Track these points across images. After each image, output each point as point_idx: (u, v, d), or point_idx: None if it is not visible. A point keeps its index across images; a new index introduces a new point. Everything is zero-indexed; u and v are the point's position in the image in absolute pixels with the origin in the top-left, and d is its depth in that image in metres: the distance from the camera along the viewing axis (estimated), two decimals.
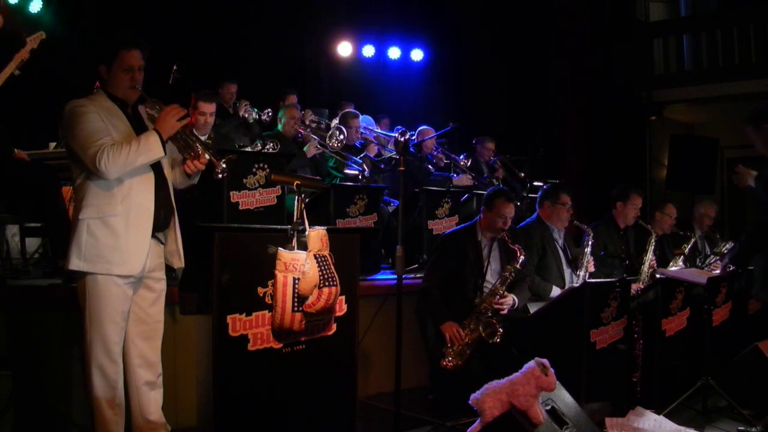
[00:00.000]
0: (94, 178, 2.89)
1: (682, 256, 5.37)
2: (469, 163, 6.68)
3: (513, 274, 4.16)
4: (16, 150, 4.18)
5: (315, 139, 5.69)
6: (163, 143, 2.91)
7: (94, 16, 6.64)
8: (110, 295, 2.89)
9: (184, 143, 3.05)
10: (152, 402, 3.08)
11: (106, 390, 2.91)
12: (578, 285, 4.27)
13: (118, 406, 2.96)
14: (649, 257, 5.10)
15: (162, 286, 3.13)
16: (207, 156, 3.03)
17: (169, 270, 3.22)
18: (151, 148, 2.88)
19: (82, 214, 2.88)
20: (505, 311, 4.13)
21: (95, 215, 2.88)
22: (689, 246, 5.51)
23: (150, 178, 3.00)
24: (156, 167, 3.04)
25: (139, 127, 3.02)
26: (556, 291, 4.49)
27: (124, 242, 2.89)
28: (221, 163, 3.02)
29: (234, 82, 6.72)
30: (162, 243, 3.11)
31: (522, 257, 4.16)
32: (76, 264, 2.86)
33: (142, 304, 3.05)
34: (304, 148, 5.64)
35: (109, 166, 2.80)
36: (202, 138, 3.61)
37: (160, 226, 3.05)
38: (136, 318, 3.04)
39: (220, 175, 3.04)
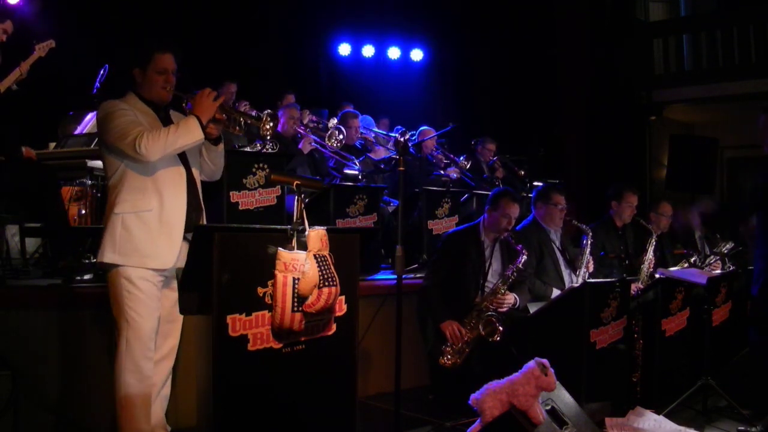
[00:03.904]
0: (129, 175, 2.93)
1: (685, 261, 5.36)
2: (468, 165, 6.67)
3: (515, 274, 4.17)
4: (24, 148, 4.18)
5: (310, 136, 5.68)
6: (203, 126, 2.93)
7: (96, 16, 6.65)
8: (146, 290, 2.93)
9: (225, 120, 3.09)
10: (159, 401, 3.09)
11: (140, 388, 2.92)
12: (578, 285, 4.28)
13: (148, 404, 2.97)
14: (649, 257, 5.09)
15: None
16: (252, 119, 3.11)
17: None
18: (191, 130, 2.91)
19: (117, 209, 2.93)
20: (505, 309, 4.13)
21: (130, 210, 2.93)
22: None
23: (182, 175, 3.04)
24: (186, 167, 3.08)
25: None
26: (556, 294, 4.48)
27: (157, 236, 2.94)
28: (266, 122, 3.08)
29: (234, 81, 6.73)
30: None
31: (525, 257, 4.16)
32: (110, 257, 2.90)
33: (166, 304, 3.08)
34: (300, 145, 5.63)
35: (150, 147, 2.83)
36: None
37: (190, 227, 3.05)
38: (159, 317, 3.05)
39: (269, 134, 3.16)
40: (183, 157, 3.08)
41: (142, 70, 3.01)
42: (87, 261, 4.03)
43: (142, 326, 2.92)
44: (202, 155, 3.21)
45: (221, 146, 3.22)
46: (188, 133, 2.91)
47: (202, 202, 3.19)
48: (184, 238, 3.02)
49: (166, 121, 3.08)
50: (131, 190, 2.94)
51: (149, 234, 2.93)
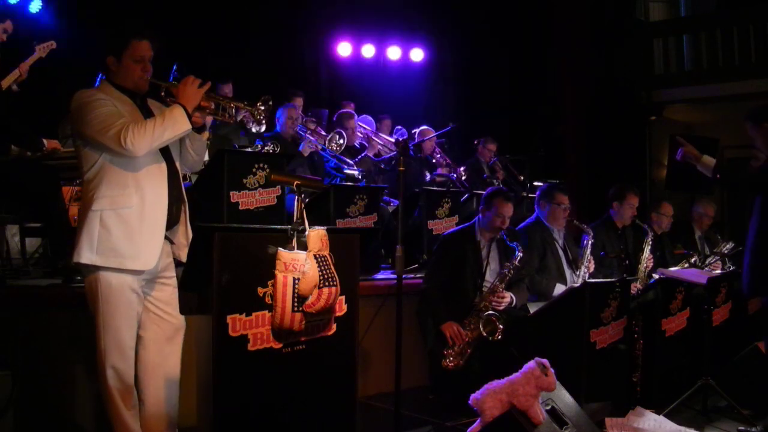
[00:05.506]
0: (108, 169, 2.81)
1: (685, 261, 5.36)
2: (465, 177, 6.63)
3: (512, 272, 4.17)
4: (45, 140, 4.17)
5: (310, 139, 5.67)
6: (189, 116, 2.83)
7: (93, 16, 6.64)
8: (125, 300, 2.83)
9: (214, 107, 3.01)
10: (174, 401, 3.03)
11: (123, 392, 2.86)
12: (578, 285, 4.28)
13: (134, 407, 2.92)
14: (646, 255, 5.10)
15: (174, 282, 3.05)
16: (242, 104, 3.00)
17: None
18: (177, 121, 2.80)
19: (95, 206, 2.78)
20: (502, 308, 4.13)
21: (109, 207, 2.78)
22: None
23: (162, 170, 2.92)
24: (168, 158, 2.97)
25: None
26: (559, 288, 4.47)
27: (138, 235, 2.81)
28: (259, 106, 3.01)
29: (229, 82, 6.70)
30: (172, 242, 3.04)
31: (520, 254, 4.16)
32: (88, 257, 2.76)
33: (158, 304, 3.00)
34: (300, 147, 5.63)
35: (136, 142, 2.71)
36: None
37: (172, 221, 2.97)
38: (155, 318, 2.98)
39: (263, 121, 3.02)
40: (164, 147, 2.94)
41: (117, 58, 2.86)
42: None
43: (121, 335, 2.84)
44: (185, 145, 3.08)
45: (205, 135, 3.12)
46: (175, 124, 2.78)
47: (184, 193, 3.07)
48: (166, 234, 2.93)
49: (144, 110, 2.96)
50: (110, 186, 2.79)
51: (129, 233, 2.79)
